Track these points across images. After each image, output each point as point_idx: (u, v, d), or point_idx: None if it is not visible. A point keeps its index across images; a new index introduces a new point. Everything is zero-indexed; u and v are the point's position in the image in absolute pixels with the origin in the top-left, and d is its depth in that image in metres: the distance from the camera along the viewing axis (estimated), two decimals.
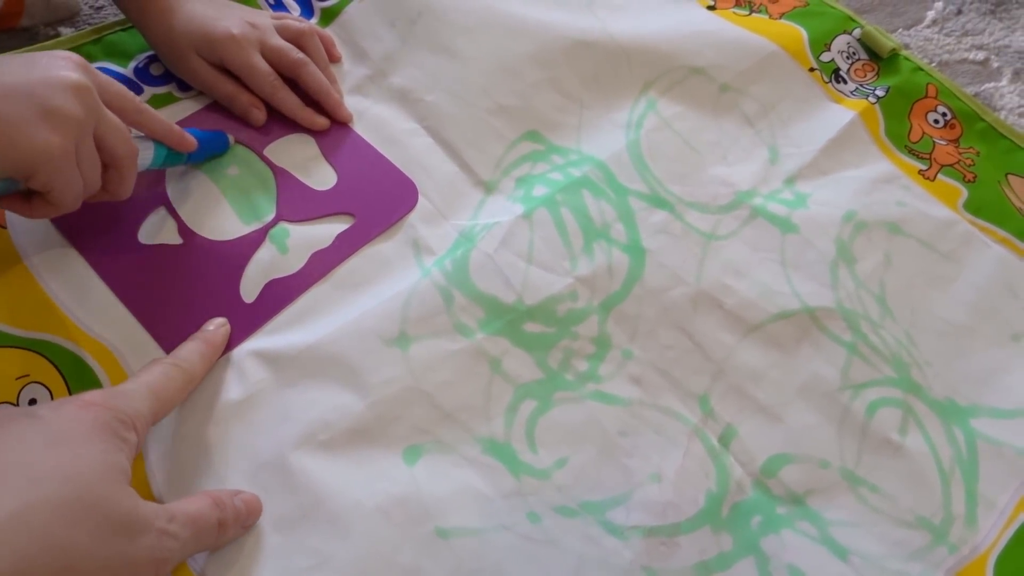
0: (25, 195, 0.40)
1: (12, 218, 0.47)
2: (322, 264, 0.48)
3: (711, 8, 0.68)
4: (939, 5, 0.73)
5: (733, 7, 0.69)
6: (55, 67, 0.38)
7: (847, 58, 0.65)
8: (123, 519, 0.31)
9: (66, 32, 0.58)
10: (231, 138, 0.52)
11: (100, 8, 0.60)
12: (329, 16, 0.61)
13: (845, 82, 0.64)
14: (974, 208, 0.57)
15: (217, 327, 0.43)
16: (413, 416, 0.42)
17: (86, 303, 0.44)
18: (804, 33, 0.65)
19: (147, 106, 0.44)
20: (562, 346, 0.46)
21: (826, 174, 0.57)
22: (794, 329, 0.49)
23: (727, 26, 0.64)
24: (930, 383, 0.48)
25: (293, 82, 0.54)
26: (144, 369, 0.38)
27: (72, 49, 0.55)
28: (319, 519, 0.38)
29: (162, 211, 0.49)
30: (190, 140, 0.47)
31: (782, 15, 0.68)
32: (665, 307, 0.48)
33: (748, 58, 0.62)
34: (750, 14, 0.68)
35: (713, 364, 0.47)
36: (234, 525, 0.36)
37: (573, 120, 0.57)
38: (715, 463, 0.43)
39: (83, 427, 0.32)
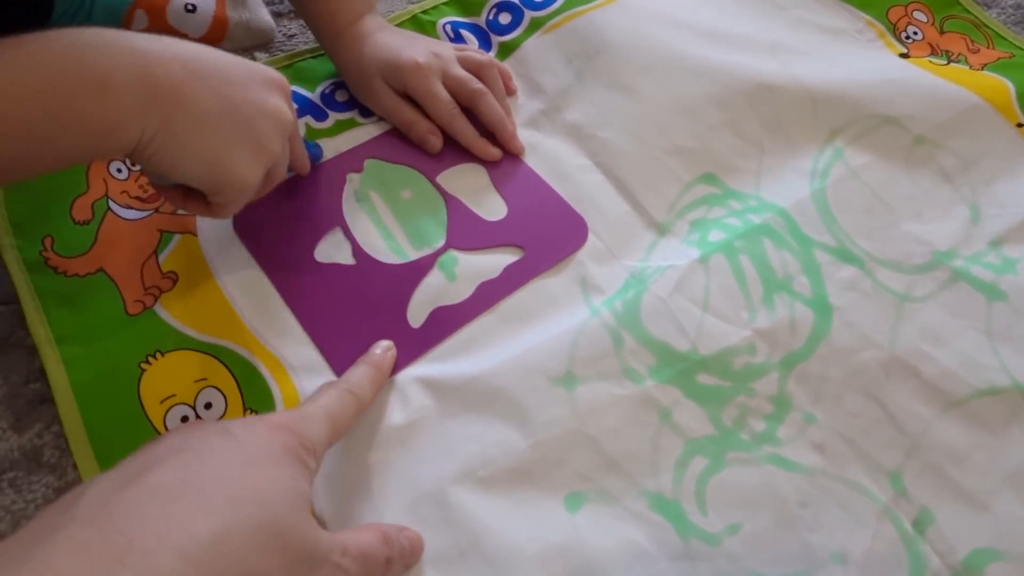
0: (184, 190, 0.41)
1: (202, 227, 0.49)
2: (489, 295, 0.47)
3: (904, 56, 0.64)
4: None
5: (929, 55, 0.64)
6: (272, 95, 0.41)
7: None
8: (307, 549, 0.30)
9: (261, 57, 0.61)
10: (322, 150, 0.53)
11: (292, 36, 0.64)
12: (507, 50, 0.62)
13: None
14: None
15: (384, 351, 0.43)
16: (577, 461, 0.40)
17: (263, 314, 0.45)
18: (1011, 86, 0.60)
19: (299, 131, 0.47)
20: (738, 402, 0.43)
21: None
22: (1003, 408, 0.43)
23: (923, 75, 0.60)
24: None
25: (469, 112, 0.54)
26: (321, 393, 0.38)
27: None
28: (477, 560, 0.37)
29: (338, 232, 0.49)
30: (308, 167, 0.50)
31: (984, 66, 0.63)
32: (853, 370, 0.44)
33: (947, 110, 0.57)
34: (948, 63, 0.63)
35: (907, 438, 0.42)
36: (398, 563, 0.35)
37: (752, 165, 0.54)
38: (908, 550, 0.39)
39: (274, 450, 0.32)
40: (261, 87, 0.40)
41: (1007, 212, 0.53)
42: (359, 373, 0.40)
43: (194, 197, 0.41)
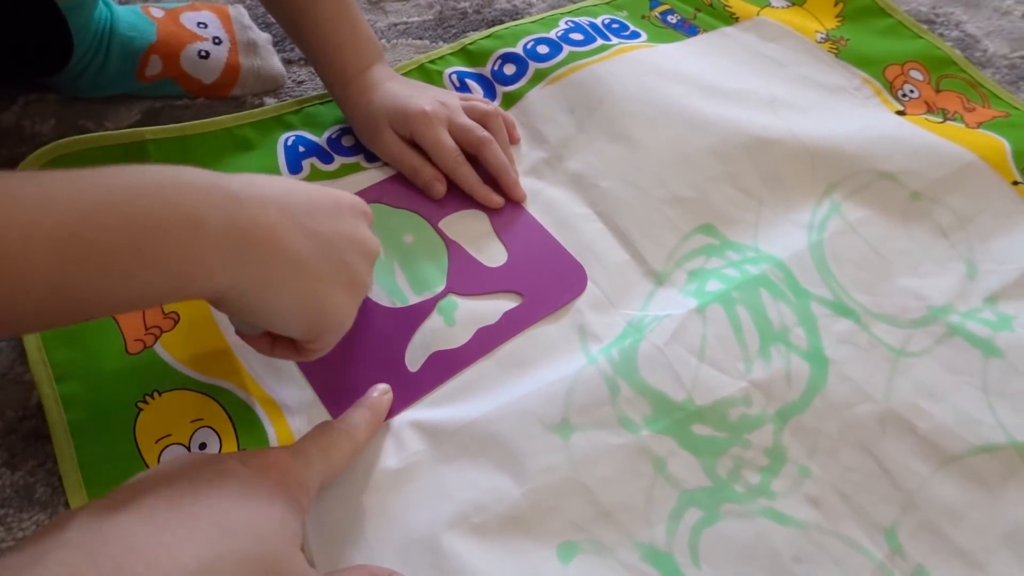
0: (272, 336, 0.40)
1: None
2: (488, 340, 0.47)
3: (900, 113, 0.65)
4: None
5: (925, 113, 0.65)
6: (359, 225, 0.40)
7: None
8: None
9: (270, 102, 0.62)
10: None
11: (301, 82, 0.65)
12: (511, 100, 0.63)
13: None
14: None
15: (381, 394, 0.43)
16: (570, 510, 0.40)
17: (261, 356, 0.45)
18: (1007, 144, 0.61)
19: None
20: (732, 454, 0.43)
21: None
22: (999, 466, 0.43)
23: (920, 132, 0.61)
24: None
25: (473, 159, 0.55)
26: (317, 433, 0.38)
27: (275, 117, 0.59)
28: None
29: None
30: None
31: (980, 124, 0.64)
32: (848, 424, 0.44)
33: (943, 166, 0.58)
34: (944, 121, 0.64)
35: (903, 494, 0.42)
36: None
37: (751, 216, 0.55)
38: None
39: (268, 485, 0.32)
40: (348, 217, 0.39)
41: (1003, 269, 0.53)
42: (355, 415, 0.40)
43: (283, 343, 0.39)
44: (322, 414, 0.44)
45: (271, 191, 0.35)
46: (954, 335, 0.49)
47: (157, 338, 0.46)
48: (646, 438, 0.43)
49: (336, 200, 0.39)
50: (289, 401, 0.44)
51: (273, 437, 0.43)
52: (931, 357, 0.48)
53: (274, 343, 0.40)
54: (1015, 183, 0.58)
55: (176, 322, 0.46)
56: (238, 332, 0.41)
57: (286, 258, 0.34)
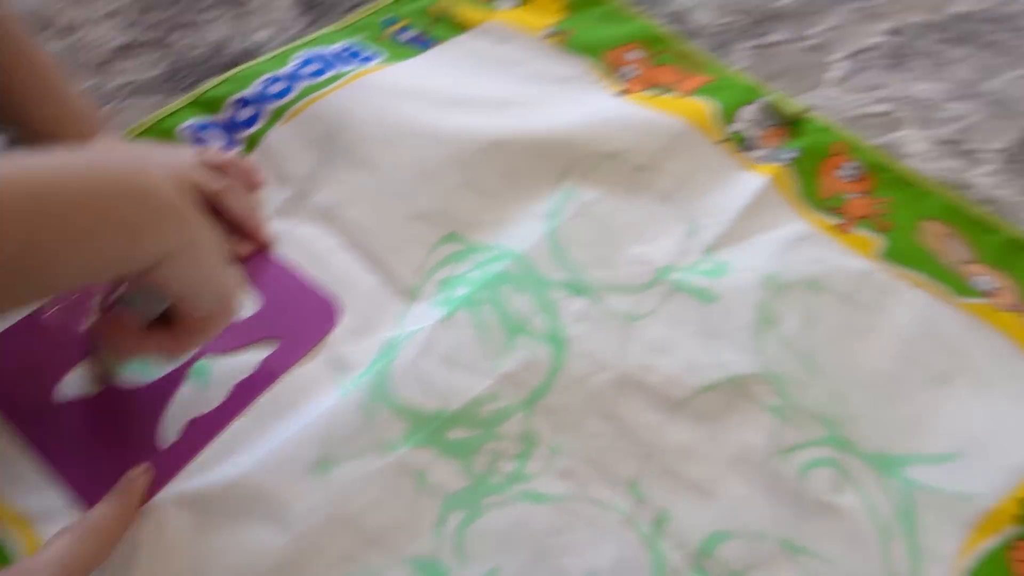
0: (166, 325, 0.42)
1: None
2: (246, 393, 0.47)
3: (625, 92, 0.69)
4: (844, 64, 0.75)
5: (644, 90, 0.71)
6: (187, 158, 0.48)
7: (756, 126, 0.67)
8: None
9: None
10: None
11: None
12: (252, 143, 0.63)
13: (756, 149, 0.65)
14: (892, 256, 0.57)
15: (137, 475, 0.42)
16: (337, 545, 0.41)
17: (4, 470, 0.44)
18: (713, 106, 0.67)
19: None
20: (487, 449, 0.46)
21: (744, 240, 0.58)
22: (720, 400, 0.48)
23: (637, 110, 0.66)
24: (861, 437, 0.47)
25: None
26: (54, 540, 0.37)
27: None
28: None
29: (81, 364, 0.48)
30: None
31: (692, 91, 0.70)
32: (590, 394, 0.48)
33: (660, 138, 0.63)
34: (660, 95, 0.70)
35: (641, 447, 0.46)
36: None
37: (492, 217, 0.58)
38: (650, 551, 0.43)
39: None
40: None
41: (717, 220, 0.58)
42: (100, 509, 0.39)
43: (156, 333, 0.42)
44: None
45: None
46: (678, 291, 0.54)
47: None
48: (404, 455, 0.45)
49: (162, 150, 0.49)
50: (38, 509, 0.42)
51: (19, 550, 0.41)
52: (657, 316, 0.52)
53: (174, 332, 0.42)
54: (721, 141, 0.65)
55: None
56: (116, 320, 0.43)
57: (207, 233, 0.39)
